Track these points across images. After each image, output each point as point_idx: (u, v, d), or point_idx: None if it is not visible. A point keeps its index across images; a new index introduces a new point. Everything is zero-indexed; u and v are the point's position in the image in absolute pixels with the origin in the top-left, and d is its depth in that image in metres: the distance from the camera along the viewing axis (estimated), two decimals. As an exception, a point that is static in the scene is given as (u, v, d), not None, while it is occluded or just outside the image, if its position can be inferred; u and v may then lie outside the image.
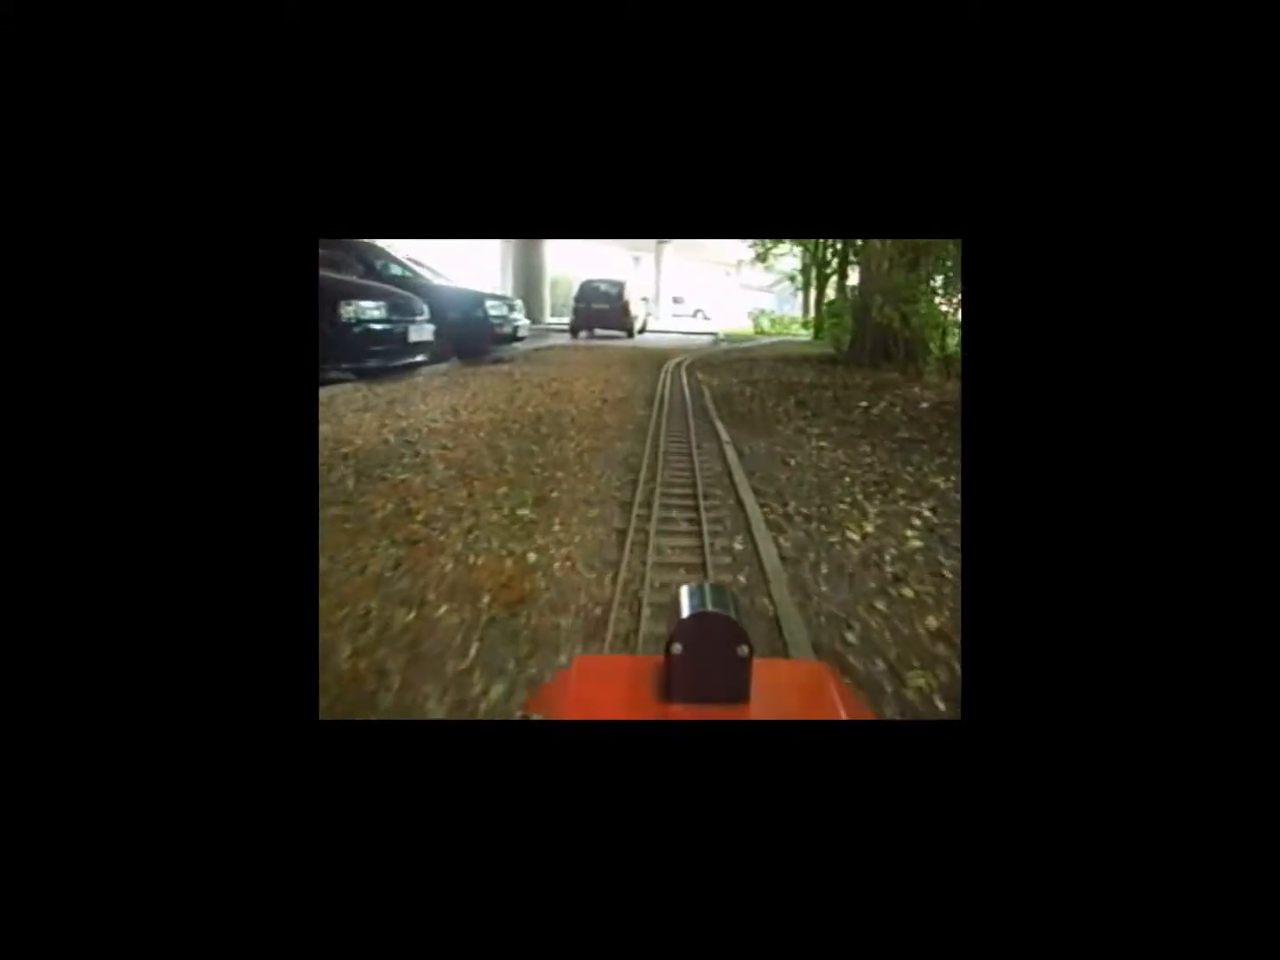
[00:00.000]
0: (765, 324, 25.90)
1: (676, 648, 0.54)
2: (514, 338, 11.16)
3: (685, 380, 9.35)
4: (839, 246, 21.06)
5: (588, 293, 19.80)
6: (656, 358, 13.18)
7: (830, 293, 23.42)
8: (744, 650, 0.54)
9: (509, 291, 23.59)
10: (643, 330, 21.68)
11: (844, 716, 0.55)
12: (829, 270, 22.92)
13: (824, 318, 22.47)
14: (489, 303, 10.48)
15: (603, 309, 19.61)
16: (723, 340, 19.78)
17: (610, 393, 7.89)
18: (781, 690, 0.60)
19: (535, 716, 0.54)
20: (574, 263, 25.60)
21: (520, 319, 11.55)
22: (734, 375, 10.10)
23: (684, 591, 0.58)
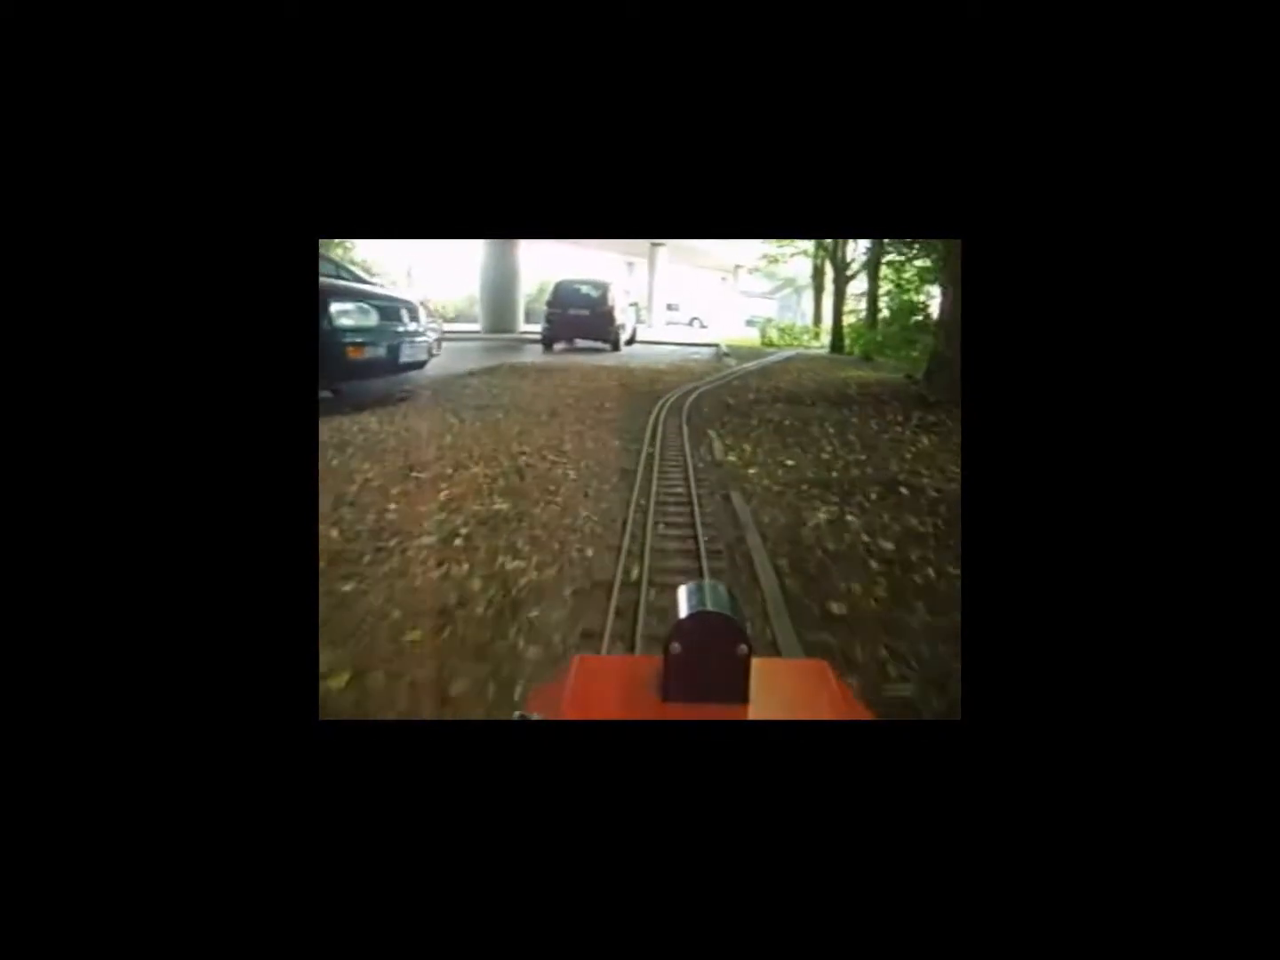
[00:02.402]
0: (774, 335, 20.78)
1: (675, 647, 0.51)
2: (395, 365, 6.01)
3: (688, 453, 4.25)
4: (866, 244, 16.26)
5: (564, 296, 14.74)
6: (643, 388, 8.08)
7: (852, 299, 18.44)
8: (743, 649, 0.51)
9: (483, 293, 18.85)
10: (631, 341, 16.61)
11: (843, 716, 0.53)
12: (850, 273, 17.87)
13: (864, 329, 17.47)
14: (336, 307, 5.32)
15: (582, 316, 14.58)
16: (727, 354, 14.80)
17: (484, 558, 2.74)
18: (781, 690, 0.56)
19: (534, 716, 0.51)
20: (561, 267, 20.32)
21: (420, 333, 6.40)
22: (785, 445, 5.00)
23: (683, 591, 0.55)
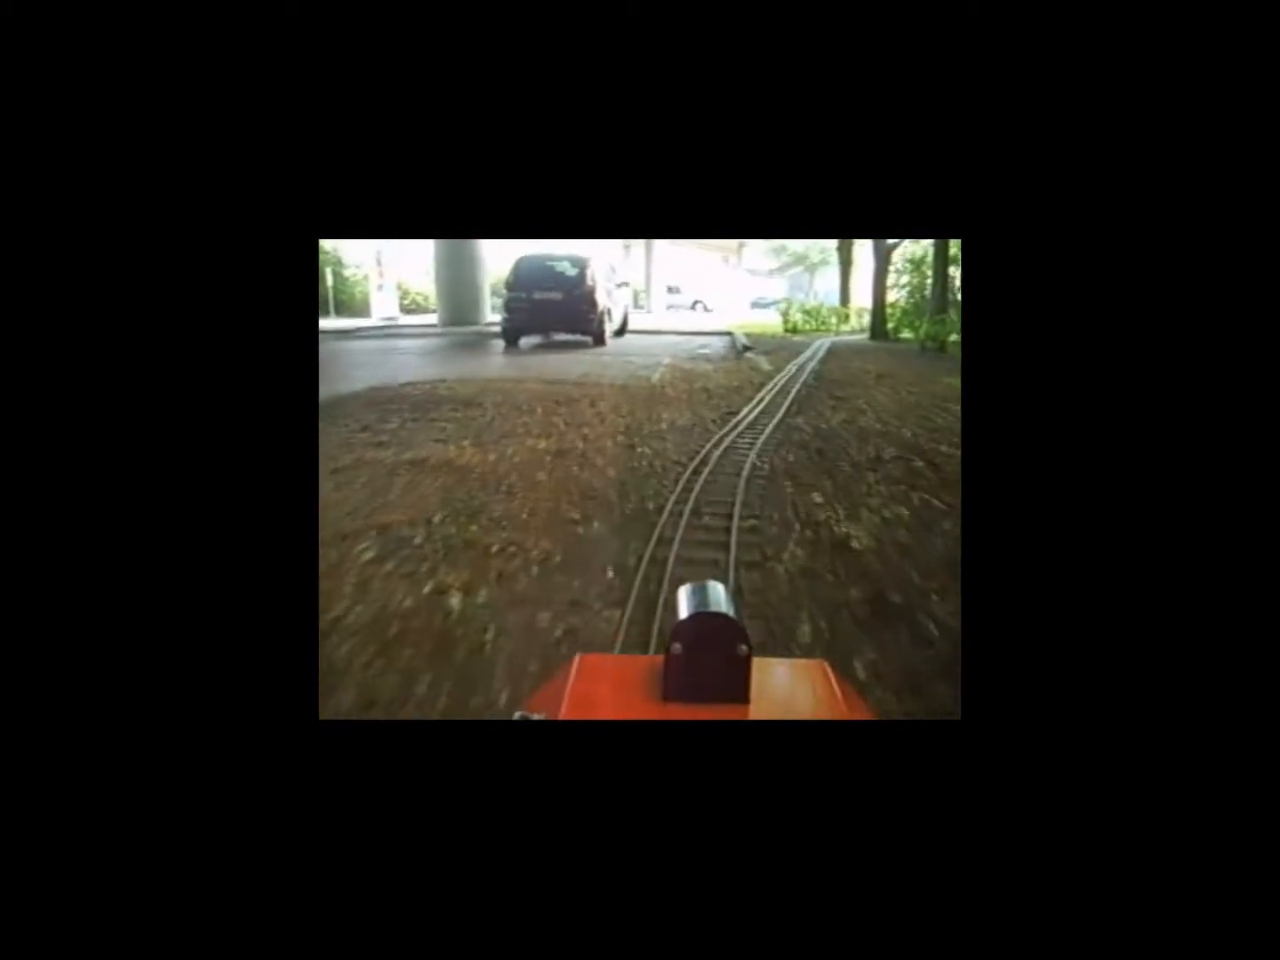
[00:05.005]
0: (798, 318, 15.58)
1: (676, 647, 0.48)
2: None
3: None
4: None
5: (530, 275, 9.75)
6: (613, 480, 3.13)
7: (895, 274, 13.37)
8: (743, 650, 0.48)
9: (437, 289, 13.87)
10: (622, 331, 11.58)
11: (843, 716, 0.50)
12: (893, 241, 12.77)
13: (908, 308, 12.57)
14: None
15: (553, 300, 9.62)
16: (748, 346, 9.89)
17: None
18: (781, 690, 0.53)
19: (535, 716, 0.48)
20: (536, 244, 15.08)
21: None
22: None
23: (683, 591, 0.51)
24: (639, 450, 3.48)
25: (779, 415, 4.52)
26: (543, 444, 3.54)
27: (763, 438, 3.82)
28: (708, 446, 3.53)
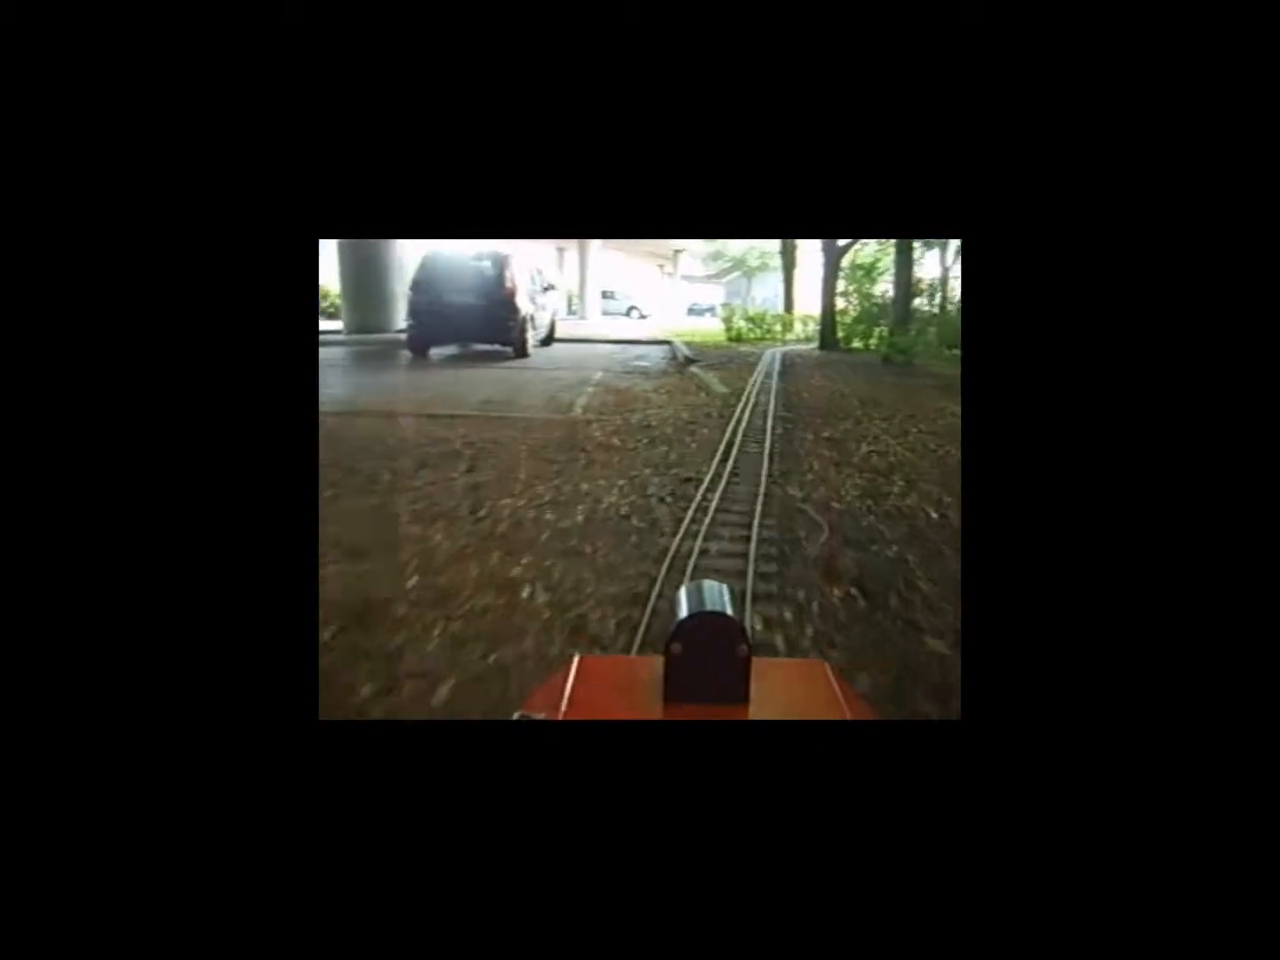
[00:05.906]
0: (741, 325, 14.00)
1: (676, 647, 0.46)
2: None
3: None
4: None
5: (440, 275, 7.91)
6: (466, 622, 1.36)
7: (843, 281, 11.92)
8: (743, 650, 0.46)
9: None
10: (549, 340, 9.80)
11: (843, 715, 0.49)
12: (842, 244, 11.32)
13: (857, 315, 11.22)
14: None
15: (466, 305, 7.81)
16: (692, 359, 8.32)
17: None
18: (780, 690, 0.51)
19: (534, 716, 0.47)
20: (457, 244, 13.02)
21: None
22: None
23: (683, 591, 0.50)
24: (523, 596, 1.73)
25: (762, 483, 2.84)
26: (324, 591, 1.77)
27: (752, 548, 2.12)
28: (659, 577, 1.83)
